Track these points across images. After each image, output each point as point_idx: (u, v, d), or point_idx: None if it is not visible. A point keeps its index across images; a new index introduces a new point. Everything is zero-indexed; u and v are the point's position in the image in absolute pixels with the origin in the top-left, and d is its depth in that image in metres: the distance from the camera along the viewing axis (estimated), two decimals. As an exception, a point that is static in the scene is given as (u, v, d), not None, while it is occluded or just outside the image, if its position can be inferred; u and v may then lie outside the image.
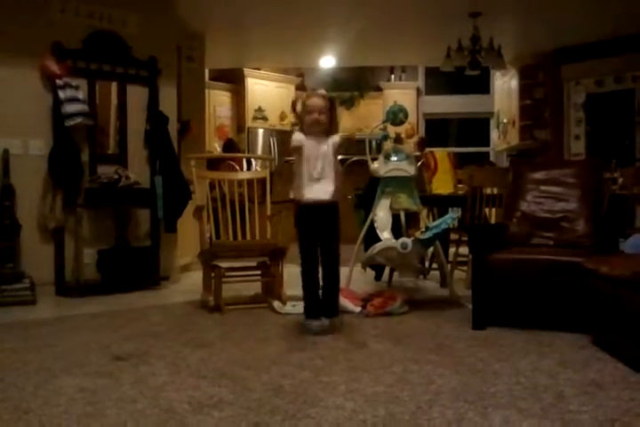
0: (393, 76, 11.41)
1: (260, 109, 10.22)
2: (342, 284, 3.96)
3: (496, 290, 3.13)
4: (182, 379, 2.27)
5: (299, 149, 3.06)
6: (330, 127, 3.13)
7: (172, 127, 5.00)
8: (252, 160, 6.52)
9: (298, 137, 3.08)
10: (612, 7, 6.26)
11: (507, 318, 3.13)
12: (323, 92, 3.18)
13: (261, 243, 4.00)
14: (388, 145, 4.39)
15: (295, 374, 2.32)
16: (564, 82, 8.21)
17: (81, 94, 4.42)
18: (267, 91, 10.37)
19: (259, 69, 10.13)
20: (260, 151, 10.15)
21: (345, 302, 3.61)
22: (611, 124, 7.82)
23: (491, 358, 2.55)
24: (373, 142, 9.06)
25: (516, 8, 6.33)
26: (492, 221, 4.85)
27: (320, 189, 3.07)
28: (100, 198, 4.46)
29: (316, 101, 3.07)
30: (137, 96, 4.80)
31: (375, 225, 3.90)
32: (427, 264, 4.92)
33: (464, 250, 4.36)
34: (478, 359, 2.53)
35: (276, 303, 3.67)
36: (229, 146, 8.53)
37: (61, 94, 4.33)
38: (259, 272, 3.95)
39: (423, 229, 3.62)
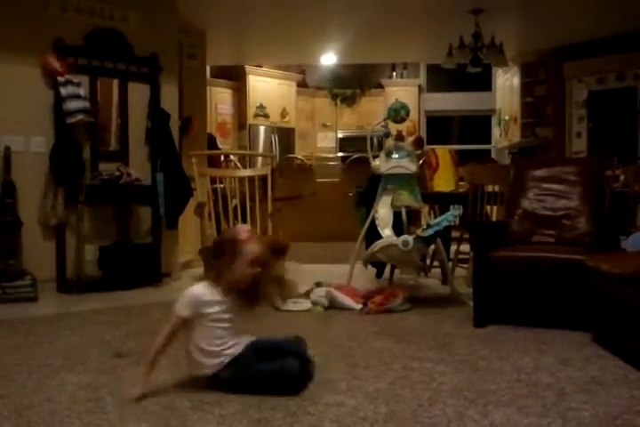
0: (394, 74, 11.40)
1: (261, 106, 10.21)
2: (344, 281, 3.97)
3: (497, 288, 3.13)
4: (183, 376, 2.27)
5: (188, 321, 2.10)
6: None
7: (174, 124, 5.00)
8: (231, 156, 6.46)
9: (196, 296, 2.10)
10: (615, 5, 6.25)
11: (508, 315, 3.12)
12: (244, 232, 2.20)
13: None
14: (389, 142, 4.38)
15: (296, 371, 2.32)
16: (566, 79, 8.20)
17: (82, 91, 4.42)
18: (268, 88, 10.37)
19: (260, 66, 10.13)
20: (261, 148, 10.15)
21: (346, 299, 3.61)
22: (612, 122, 7.81)
23: (492, 355, 2.55)
24: (375, 140, 9.10)
25: (518, 5, 6.32)
26: (494, 218, 4.85)
27: None
28: (101, 195, 4.46)
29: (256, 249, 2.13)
30: (138, 93, 4.80)
31: (376, 222, 3.90)
32: (428, 262, 4.91)
33: (465, 247, 4.35)
34: (479, 357, 2.53)
35: (278, 300, 3.67)
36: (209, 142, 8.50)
37: (63, 91, 4.33)
38: (260, 269, 3.94)
39: (424, 227, 3.61)
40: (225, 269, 2.09)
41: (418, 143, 8.33)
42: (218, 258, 2.12)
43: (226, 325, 2.08)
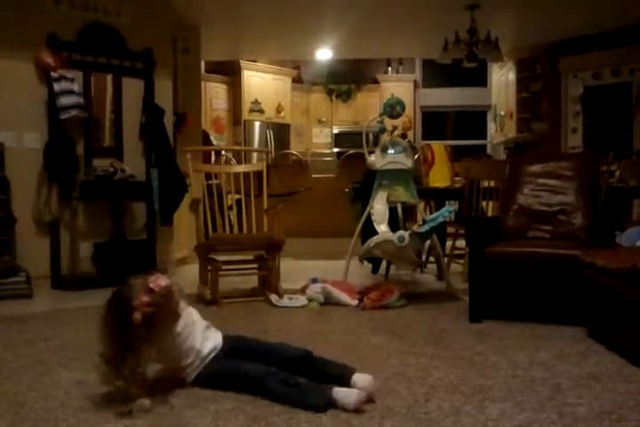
0: (390, 69, 11.37)
1: (256, 102, 10.18)
2: (339, 277, 3.97)
3: (493, 283, 3.13)
4: (179, 372, 2.26)
5: None
6: None
7: (168, 120, 4.98)
8: (223, 151, 6.41)
9: None
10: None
11: (503, 311, 3.13)
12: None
13: (258, 236, 3.99)
14: (385, 138, 4.38)
15: (292, 367, 2.31)
16: (562, 74, 8.20)
17: (76, 87, 4.40)
18: (263, 83, 10.33)
19: (255, 62, 10.09)
20: (256, 144, 10.12)
21: (342, 295, 3.61)
22: (608, 117, 7.81)
23: (487, 351, 2.55)
24: (370, 135, 9.10)
25: (514, 0, 6.31)
26: (489, 214, 4.85)
27: None
28: (95, 191, 4.44)
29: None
30: (132, 88, 4.78)
31: (372, 218, 3.89)
32: (424, 257, 4.92)
33: (461, 243, 4.36)
34: (475, 352, 2.53)
35: (273, 297, 3.67)
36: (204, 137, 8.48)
37: (56, 87, 4.30)
38: (255, 266, 3.94)
39: (420, 223, 3.61)
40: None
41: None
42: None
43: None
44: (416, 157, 4.39)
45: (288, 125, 10.76)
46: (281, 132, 10.53)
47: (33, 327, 3.07)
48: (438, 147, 5.15)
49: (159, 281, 1.97)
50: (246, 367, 2.02)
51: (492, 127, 10.55)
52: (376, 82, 11.28)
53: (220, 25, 6.95)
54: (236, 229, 4.06)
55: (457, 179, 5.22)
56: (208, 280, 3.74)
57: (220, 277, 3.69)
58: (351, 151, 7.42)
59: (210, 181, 4.21)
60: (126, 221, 4.68)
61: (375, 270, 4.72)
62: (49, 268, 4.39)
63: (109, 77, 4.72)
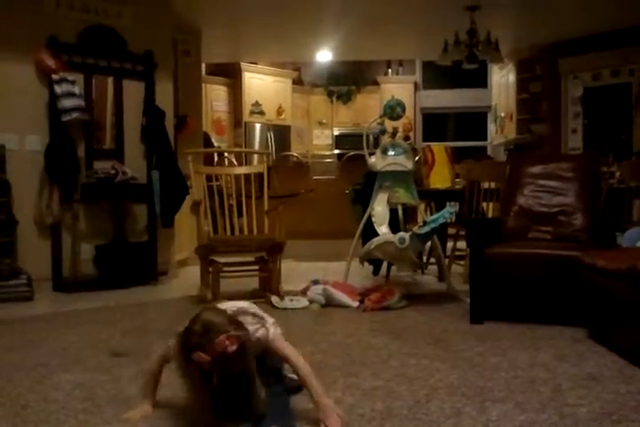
0: (390, 70, 11.39)
1: (256, 104, 10.19)
2: (340, 278, 3.97)
3: (493, 284, 3.13)
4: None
5: None
6: None
7: (169, 122, 4.99)
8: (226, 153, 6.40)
9: None
10: (610, 0, 6.25)
11: (504, 312, 3.13)
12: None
13: (259, 238, 4.00)
14: (385, 139, 4.38)
15: (293, 368, 2.32)
16: (562, 75, 8.21)
17: (77, 89, 4.40)
18: (263, 85, 10.35)
19: (255, 64, 10.10)
20: (257, 146, 10.13)
21: (343, 296, 3.62)
22: (608, 118, 7.81)
23: (488, 352, 2.55)
24: (371, 137, 9.10)
25: (514, 1, 6.31)
26: (490, 215, 4.85)
27: None
28: (96, 194, 4.45)
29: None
30: (133, 91, 4.79)
31: (373, 220, 3.89)
32: (424, 259, 4.92)
33: (462, 244, 4.36)
34: (476, 353, 2.53)
35: (274, 298, 3.67)
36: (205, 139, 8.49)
37: (57, 89, 4.31)
38: (256, 267, 3.94)
39: (421, 224, 3.61)
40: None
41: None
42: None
43: None
44: (416, 158, 4.40)
45: (288, 127, 10.77)
46: (281, 134, 10.55)
47: (34, 330, 3.08)
48: (439, 148, 5.15)
49: (229, 343, 1.65)
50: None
51: (492, 128, 10.56)
52: (376, 83, 11.29)
53: (220, 27, 6.96)
54: (237, 231, 4.06)
55: (457, 180, 5.22)
56: (209, 282, 3.74)
57: (221, 278, 3.69)
58: (352, 153, 7.43)
59: (211, 183, 4.21)
60: (127, 223, 4.69)
61: (376, 272, 4.72)
62: (50, 270, 4.39)
63: (110, 80, 4.73)
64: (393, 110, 4.00)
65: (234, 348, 1.65)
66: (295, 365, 1.85)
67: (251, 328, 1.81)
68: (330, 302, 3.61)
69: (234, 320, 1.75)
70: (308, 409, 1.84)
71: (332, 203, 6.14)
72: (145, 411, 1.90)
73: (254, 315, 1.91)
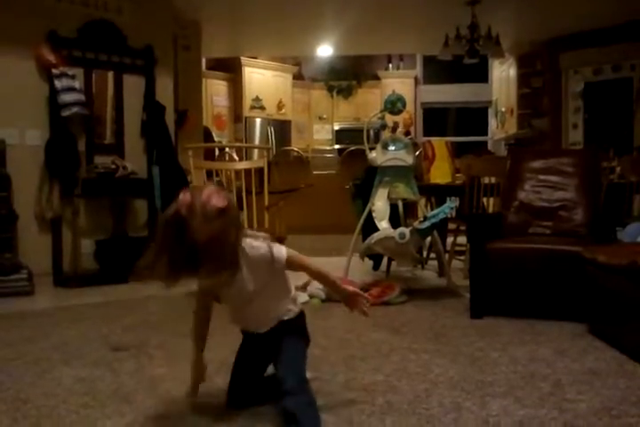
0: (390, 65, 11.36)
1: (257, 99, 10.18)
2: (340, 273, 3.97)
3: (494, 279, 3.14)
4: (181, 369, 2.26)
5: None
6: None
7: (169, 117, 4.99)
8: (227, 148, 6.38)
9: None
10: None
11: (504, 307, 3.13)
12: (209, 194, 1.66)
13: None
14: (386, 134, 4.37)
15: (293, 363, 2.32)
16: (563, 70, 8.19)
17: (77, 84, 4.40)
18: (264, 80, 10.33)
19: (255, 58, 10.08)
20: (257, 141, 10.13)
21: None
22: (609, 113, 7.80)
23: (488, 347, 2.55)
24: (371, 132, 9.10)
25: (515, -4, 6.31)
26: (490, 210, 4.85)
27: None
28: (97, 189, 4.45)
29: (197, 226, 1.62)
30: (133, 85, 4.78)
31: (373, 215, 3.89)
32: (425, 254, 4.92)
33: (462, 239, 4.36)
34: (476, 348, 2.53)
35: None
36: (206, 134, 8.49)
37: (57, 84, 4.31)
38: (257, 262, 3.93)
39: (421, 219, 3.61)
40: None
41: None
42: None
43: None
44: (417, 153, 4.39)
45: (289, 122, 10.76)
46: (282, 129, 10.54)
47: (34, 324, 3.08)
48: (439, 143, 5.14)
49: (216, 197, 1.64)
50: None
51: (492, 123, 10.55)
52: (377, 78, 11.27)
53: (220, 22, 6.95)
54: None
55: (458, 175, 5.21)
56: (209, 277, 3.74)
57: (222, 273, 3.69)
58: (352, 148, 7.42)
59: (211, 178, 4.21)
60: (128, 218, 4.69)
61: (376, 267, 4.72)
62: (51, 265, 4.40)
63: (110, 74, 4.72)
64: (393, 105, 3.99)
65: (219, 202, 1.64)
66: (312, 270, 1.96)
67: (256, 244, 1.78)
68: (330, 297, 3.62)
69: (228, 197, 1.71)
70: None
71: (332, 198, 6.14)
72: (198, 372, 1.86)
73: (264, 239, 1.85)
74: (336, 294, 1.98)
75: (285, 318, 1.88)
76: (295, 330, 1.89)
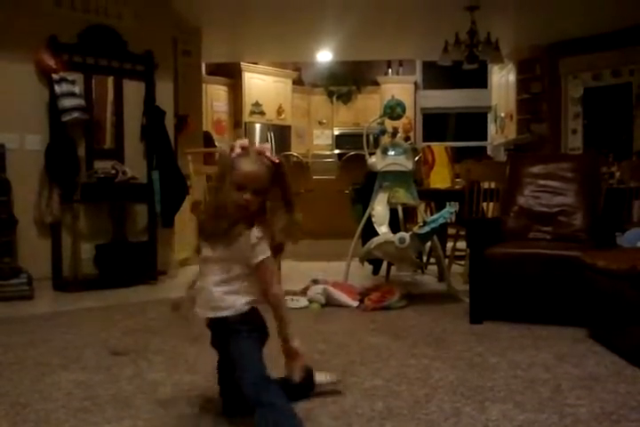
0: (390, 71, 11.39)
1: (257, 104, 10.20)
2: (340, 278, 3.97)
3: (493, 284, 3.14)
4: (180, 374, 2.27)
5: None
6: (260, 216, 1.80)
7: (169, 122, 4.99)
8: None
9: None
10: (610, 1, 6.25)
11: (504, 312, 3.13)
12: (266, 147, 1.79)
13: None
14: (385, 139, 4.38)
15: (293, 368, 2.32)
16: (562, 76, 8.21)
17: (77, 89, 4.40)
18: (264, 85, 10.35)
19: (255, 64, 10.11)
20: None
21: (343, 296, 3.62)
22: (608, 118, 7.81)
23: (488, 352, 2.55)
24: (371, 137, 9.10)
25: (514, 2, 6.32)
26: (490, 215, 4.85)
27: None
28: (96, 193, 4.45)
29: (252, 169, 1.73)
30: (133, 91, 4.79)
31: (373, 220, 3.89)
32: (424, 258, 4.92)
33: (462, 244, 4.36)
34: (476, 353, 2.53)
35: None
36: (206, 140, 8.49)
37: (57, 89, 4.31)
38: (256, 267, 3.93)
39: (421, 224, 3.61)
40: (214, 190, 1.80)
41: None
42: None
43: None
44: (416, 158, 4.40)
45: (289, 127, 10.78)
46: (282, 134, 10.55)
47: (34, 329, 3.08)
48: (439, 148, 5.15)
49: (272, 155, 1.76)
50: None
51: (492, 129, 10.56)
52: (376, 83, 11.29)
53: (220, 27, 6.97)
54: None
55: (457, 180, 5.22)
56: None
57: (221, 278, 3.68)
58: (352, 153, 7.43)
59: (211, 183, 4.21)
60: (128, 222, 4.69)
61: (376, 272, 4.72)
62: (50, 269, 4.39)
63: (110, 80, 4.73)
64: (393, 110, 4.00)
65: (275, 158, 1.74)
66: (272, 295, 1.80)
67: (256, 235, 1.78)
68: (330, 302, 3.62)
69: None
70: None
71: (332, 203, 6.15)
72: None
73: (265, 239, 1.83)
74: (280, 339, 1.79)
75: (225, 314, 1.78)
76: (240, 327, 1.79)
